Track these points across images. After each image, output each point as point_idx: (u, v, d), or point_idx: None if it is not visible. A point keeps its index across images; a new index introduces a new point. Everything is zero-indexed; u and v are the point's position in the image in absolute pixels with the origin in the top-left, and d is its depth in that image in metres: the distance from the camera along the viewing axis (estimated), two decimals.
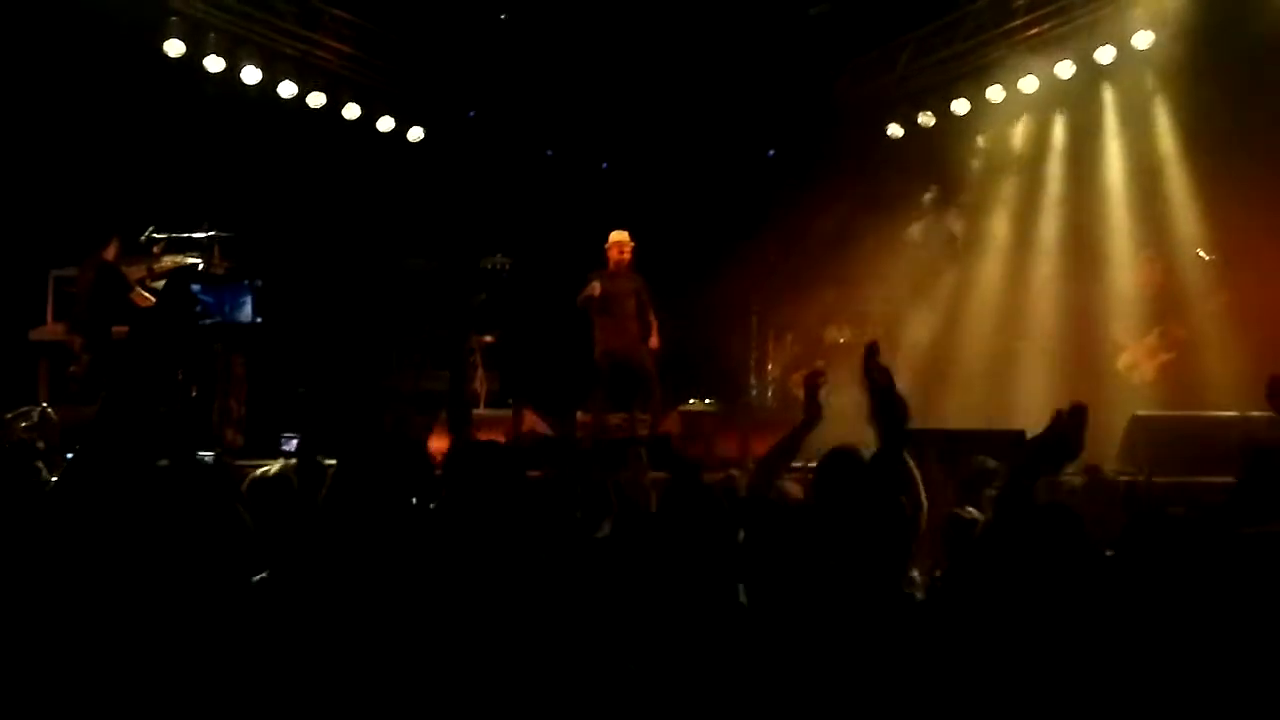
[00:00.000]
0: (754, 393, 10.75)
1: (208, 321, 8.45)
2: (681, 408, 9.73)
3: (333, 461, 3.25)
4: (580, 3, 10.43)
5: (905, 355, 9.12)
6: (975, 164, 10.35)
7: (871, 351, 3.47)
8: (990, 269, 10.10)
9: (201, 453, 6.23)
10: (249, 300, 8.66)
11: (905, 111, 10.45)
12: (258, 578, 2.90)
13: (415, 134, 11.02)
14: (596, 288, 8.99)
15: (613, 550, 3.24)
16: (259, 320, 8.70)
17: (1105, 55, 8.99)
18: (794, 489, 4.18)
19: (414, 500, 3.11)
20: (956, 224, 10.29)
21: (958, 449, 5.85)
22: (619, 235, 9.25)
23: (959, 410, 8.65)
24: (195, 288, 8.35)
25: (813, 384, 3.80)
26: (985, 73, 9.70)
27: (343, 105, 10.41)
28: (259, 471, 3.80)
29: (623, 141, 11.73)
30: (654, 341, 9.14)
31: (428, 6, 10.60)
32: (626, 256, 9.16)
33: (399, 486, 3.03)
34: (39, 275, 9.23)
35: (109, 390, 2.96)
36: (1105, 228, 9.53)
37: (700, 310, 10.41)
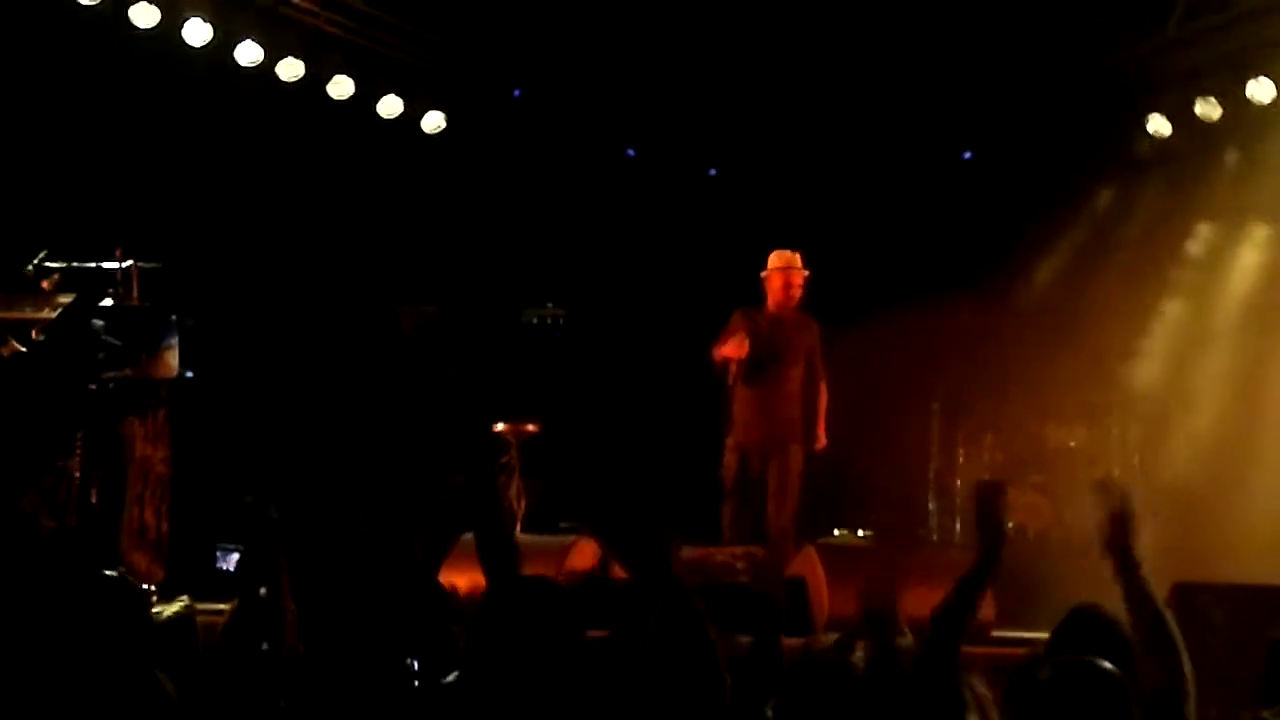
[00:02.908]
0: (932, 521, 10.68)
1: (111, 376, 8.41)
2: (821, 540, 9.59)
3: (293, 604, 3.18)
4: None
5: (1174, 466, 9.01)
6: None
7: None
8: None
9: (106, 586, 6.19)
10: (174, 343, 8.63)
11: (1175, 98, 10.40)
12: None
13: (433, 122, 11.15)
14: (743, 340, 8.85)
15: None
16: (189, 375, 8.72)
17: None
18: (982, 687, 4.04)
19: (417, 668, 3.04)
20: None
21: (1256, 611, 5.84)
22: (785, 256, 9.19)
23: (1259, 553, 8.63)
24: (96, 324, 8.37)
25: (992, 497, 3.78)
26: None
27: (328, 78, 10.56)
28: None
29: (738, 137, 11.75)
30: (821, 439, 9.10)
31: None
32: (797, 292, 9.09)
33: (395, 645, 2.97)
34: None
35: None
36: None
37: (852, 395, 10.30)
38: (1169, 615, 3.69)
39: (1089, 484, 3.83)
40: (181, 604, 3.95)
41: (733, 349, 8.95)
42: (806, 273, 9.16)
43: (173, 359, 8.56)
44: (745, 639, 4.89)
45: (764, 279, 9.21)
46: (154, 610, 3.90)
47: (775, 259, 9.20)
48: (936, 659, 3.77)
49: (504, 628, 2.92)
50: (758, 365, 8.95)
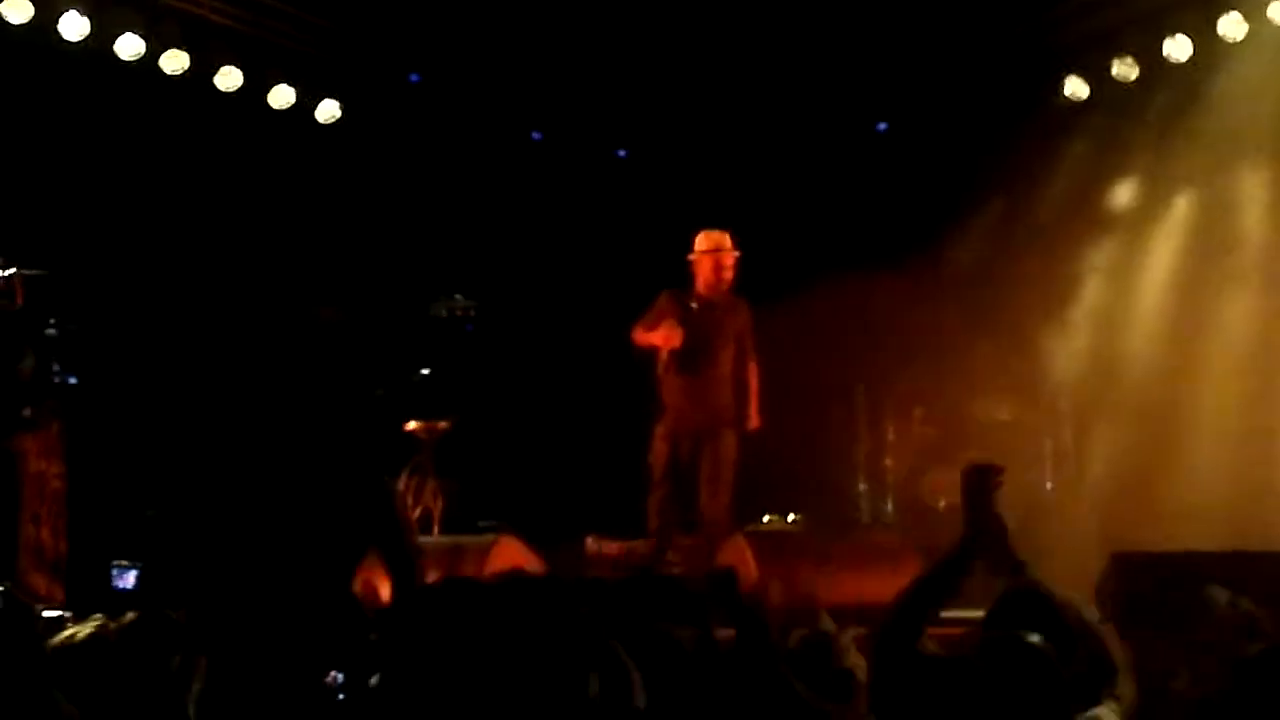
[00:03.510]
0: (863, 503, 10.75)
1: None
2: (749, 527, 9.64)
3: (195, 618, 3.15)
4: None
5: (1106, 437, 9.14)
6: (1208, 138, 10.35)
7: (983, 478, 3.80)
8: (1240, 300, 10.08)
9: None
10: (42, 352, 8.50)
11: (1092, 59, 10.49)
12: None
13: (327, 110, 11.07)
14: (674, 329, 8.82)
15: None
16: (71, 381, 8.60)
17: None
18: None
19: (335, 677, 3.02)
20: None
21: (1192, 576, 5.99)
22: (714, 237, 9.13)
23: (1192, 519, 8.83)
24: None
25: (984, 483, 3.85)
26: None
27: (216, 69, 10.46)
28: (62, 636, 3.71)
29: (647, 117, 11.76)
30: (754, 420, 9.06)
31: None
32: (729, 274, 9.04)
33: (313, 656, 2.95)
34: None
35: None
36: None
37: (776, 377, 10.34)
38: (1073, 602, 3.78)
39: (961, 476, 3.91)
40: (95, 623, 3.89)
41: (662, 338, 8.90)
42: (737, 253, 9.10)
43: (27, 364, 8.47)
44: (684, 631, 4.90)
45: (692, 262, 9.13)
46: (68, 632, 3.84)
47: (703, 240, 9.13)
48: (896, 641, 3.79)
49: (421, 634, 2.92)
50: (689, 352, 8.90)
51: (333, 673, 3.04)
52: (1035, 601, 4.15)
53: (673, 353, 8.97)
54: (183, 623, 3.50)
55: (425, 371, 10.38)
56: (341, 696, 3.07)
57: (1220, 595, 5.98)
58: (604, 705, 3.77)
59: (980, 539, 3.85)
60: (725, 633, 5.05)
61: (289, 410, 10.55)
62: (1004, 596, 4.29)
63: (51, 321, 8.55)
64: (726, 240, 9.13)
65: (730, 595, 4.79)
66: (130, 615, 3.87)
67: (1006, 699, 3.34)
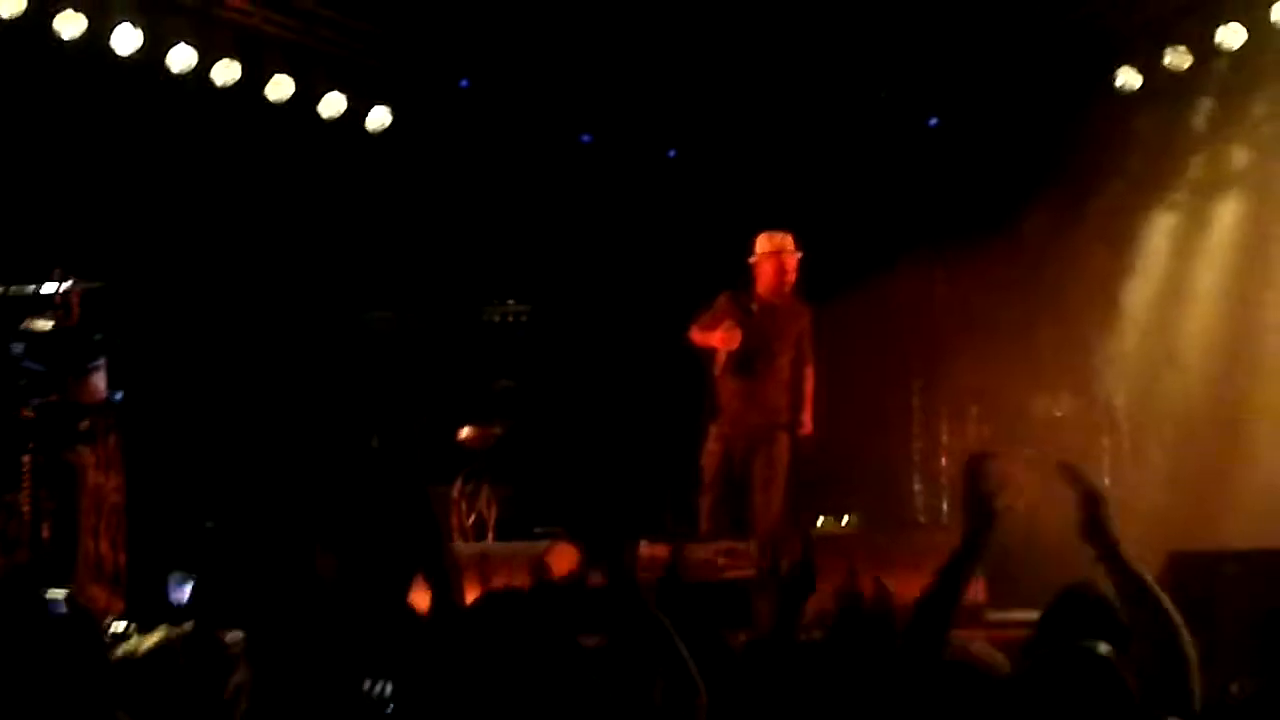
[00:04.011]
0: (920, 501, 10.68)
1: (38, 402, 8.26)
2: (809, 529, 9.59)
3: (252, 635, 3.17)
4: None
5: (1164, 431, 9.03)
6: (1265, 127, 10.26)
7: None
8: None
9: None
10: (100, 365, 8.54)
11: (1145, 49, 10.39)
12: None
13: (378, 118, 11.10)
14: (733, 330, 8.75)
15: None
16: (118, 397, 8.64)
17: None
18: (988, 653, 4.07)
19: (384, 688, 3.03)
20: None
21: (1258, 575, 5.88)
22: (776, 239, 9.03)
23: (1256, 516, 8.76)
24: (15, 349, 8.26)
25: (979, 470, 3.73)
26: None
27: (267, 79, 10.52)
28: (123, 649, 3.73)
29: (697, 117, 11.75)
30: (808, 425, 9.00)
31: None
32: (791, 277, 8.96)
33: (362, 668, 2.95)
34: None
35: None
36: None
37: (830, 375, 10.31)
38: (1160, 593, 3.67)
39: (1056, 469, 3.79)
40: (161, 634, 3.90)
41: (721, 339, 8.85)
42: (800, 255, 9.01)
43: (100, 381, 8.48)
44: (741, 636, 4.88)
45: (753, 264, 9.06)
46: (131, 644, 3.86)
47: (765, 242, 9.04)
48: (920, 646, 3.76)
49: (464, 646, 2.92)
50: (747, 355, 8.85)
51: (381, 683, 3.05)
52: (1090, 601, 4.10)
53: (730, 355, 8.92)
54: (232, 643, 3.52)
55: (506, 382, 10.38)
56: (390, 709, 3.09)
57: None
58: (668, 712, 3.76)
59: (983, 529, 3.73)
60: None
61: (341, 419, 10.57)
62: (1061, 596, 4.25)
63: (97, 337, 8.59)
64: (789, 242, 9.04)
65: (803, 593, 4.74)
66: (189, 625, 3.89)
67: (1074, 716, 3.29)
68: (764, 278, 9.02)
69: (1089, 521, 3.72)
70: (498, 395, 10.39)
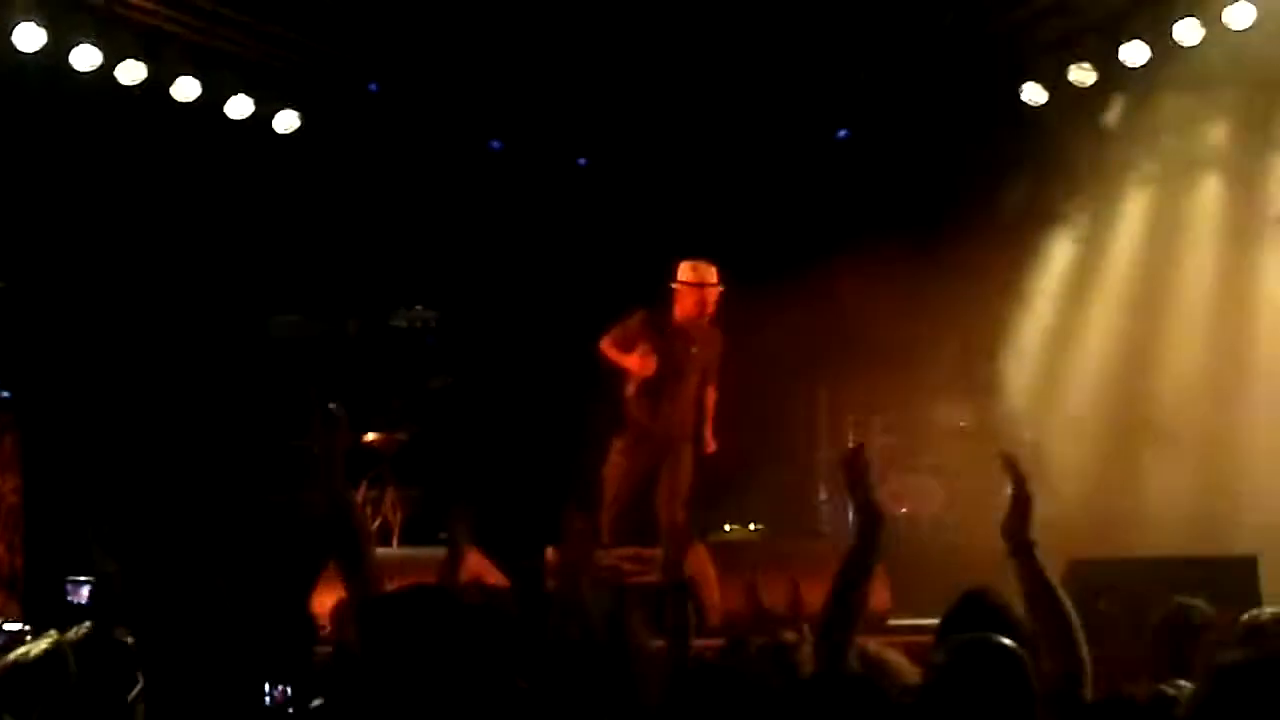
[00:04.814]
0: (824, 510, 10.72)
1: None
2: (711, 537, 9.64)
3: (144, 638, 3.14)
4: None
5: (1064, 441, 9.13)
6: (1166, 142, 10.42)
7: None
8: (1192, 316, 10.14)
9: None
10: None
11: (1050, 64, 10.52)
12: None
13: (286, 121, 11.03)
14: (648, 356, 8.83)
15: None
16: (6, 395, 8.55)
17: None
18: (898, 660, 4.12)
19: (283, 693, 3.01)
20: None
21: (1152, 587, 5.95)
22: (700, 269, 9.03)
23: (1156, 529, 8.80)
24: None
25: (856, 468, 3.85)
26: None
27: (172, 80, 10.42)
28: (13, 655, 3.69)
29: (608, 126, 11.78)
30: (711, 443, 9.12)
31: None
32: (711, 309, 8.99)
33: (261, 672, 2.94)
34: None
35: None
36: None
37: (735, 383, 10.36)
38: (1064, 597, 3.74)
39: (999, 459, 3.86)
40: (49, 640, 3.86)
41: (638, 366, 8.90)
42: (721, 289, 9.03)
43: None
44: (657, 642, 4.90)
45: (674, 290, 9.07)
46: (21, 650, 3.82)
47: (689, 272, 9.04)
48: (828, 652, 3.80)
49: (378, 646, 2.91)
50: (659, 377, 8.93)
51: (280, 688, 3.03)
52: (990, 606, 4.16)
53: (643, 378, 8.98)
54: (130, 643, 3.49)
55: (446, 380, 10.36)
56: (290, 711, 3.07)
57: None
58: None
59: (872, 525, 3.84)
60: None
61: (244, 422, 10.50)
62: (962, 600, 4.30)
63: None
64: (712, 274, 9.04)
65: (685, 603, 4.80)
66: (84, 628, 3.84)
67: (983, 705, 3.33)
68: (683, 306, 9.05)
69: (1015, 518, 3.76)
70: (434, 393, 10.35)
